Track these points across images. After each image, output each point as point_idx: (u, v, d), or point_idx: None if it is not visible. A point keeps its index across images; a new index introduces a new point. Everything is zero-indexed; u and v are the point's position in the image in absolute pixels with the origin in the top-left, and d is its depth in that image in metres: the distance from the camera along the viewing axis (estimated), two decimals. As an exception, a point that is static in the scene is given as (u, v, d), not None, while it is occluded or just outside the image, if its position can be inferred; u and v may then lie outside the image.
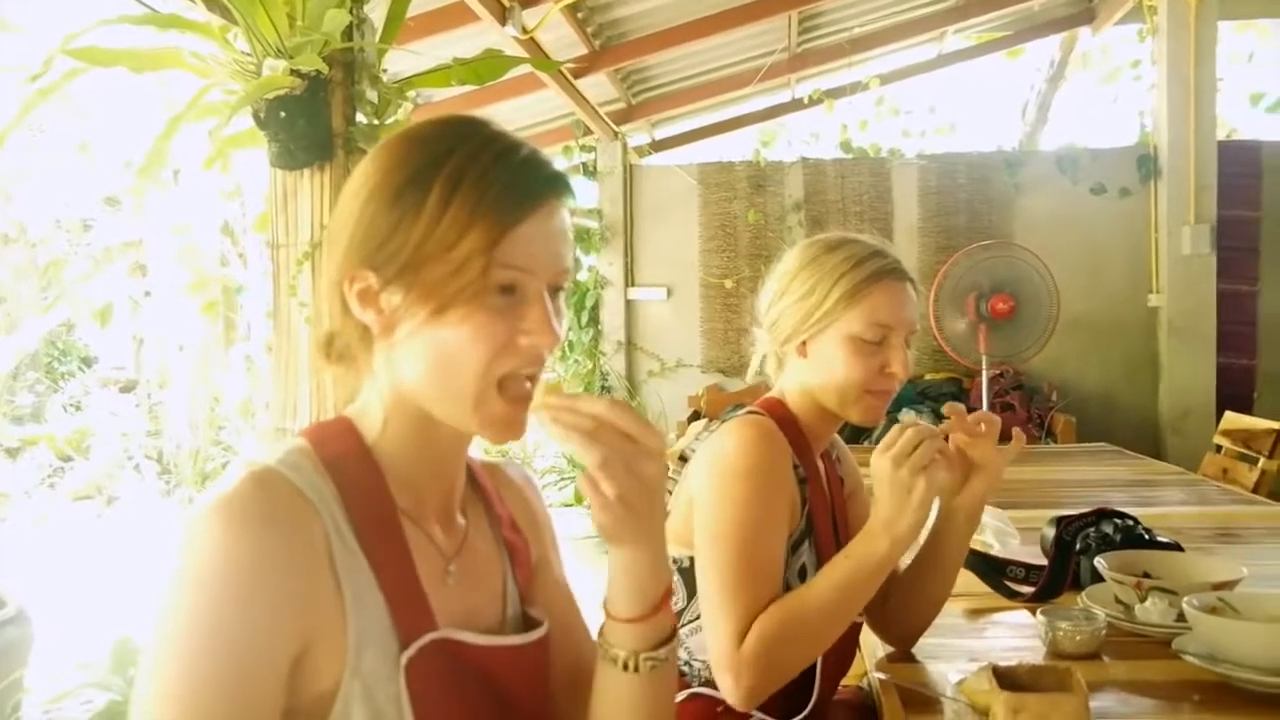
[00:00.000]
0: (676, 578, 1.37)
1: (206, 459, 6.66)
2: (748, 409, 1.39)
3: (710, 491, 1.30)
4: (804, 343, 1.38)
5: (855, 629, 1.41)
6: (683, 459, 1.43)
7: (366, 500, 0.81)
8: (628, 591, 0.83)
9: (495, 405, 0.79)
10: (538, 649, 0.89)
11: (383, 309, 0.80)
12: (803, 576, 1.35)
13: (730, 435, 1.32)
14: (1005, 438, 1.32)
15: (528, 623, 0.92)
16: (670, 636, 0.85)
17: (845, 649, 1.38)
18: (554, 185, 0.82)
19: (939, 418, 1.37)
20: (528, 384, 0.81)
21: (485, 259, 0.77)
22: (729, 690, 1.22)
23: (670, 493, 1.40)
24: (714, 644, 1.24)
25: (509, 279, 0.78)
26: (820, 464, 1.44)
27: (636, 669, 0.83)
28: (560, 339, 0.81)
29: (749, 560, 1.25)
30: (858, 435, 5.24)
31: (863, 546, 1.22)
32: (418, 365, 0.79)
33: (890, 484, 1.19)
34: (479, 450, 0.95)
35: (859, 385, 1.34)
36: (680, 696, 1.35)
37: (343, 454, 0.82)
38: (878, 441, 1.25)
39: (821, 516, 1.39)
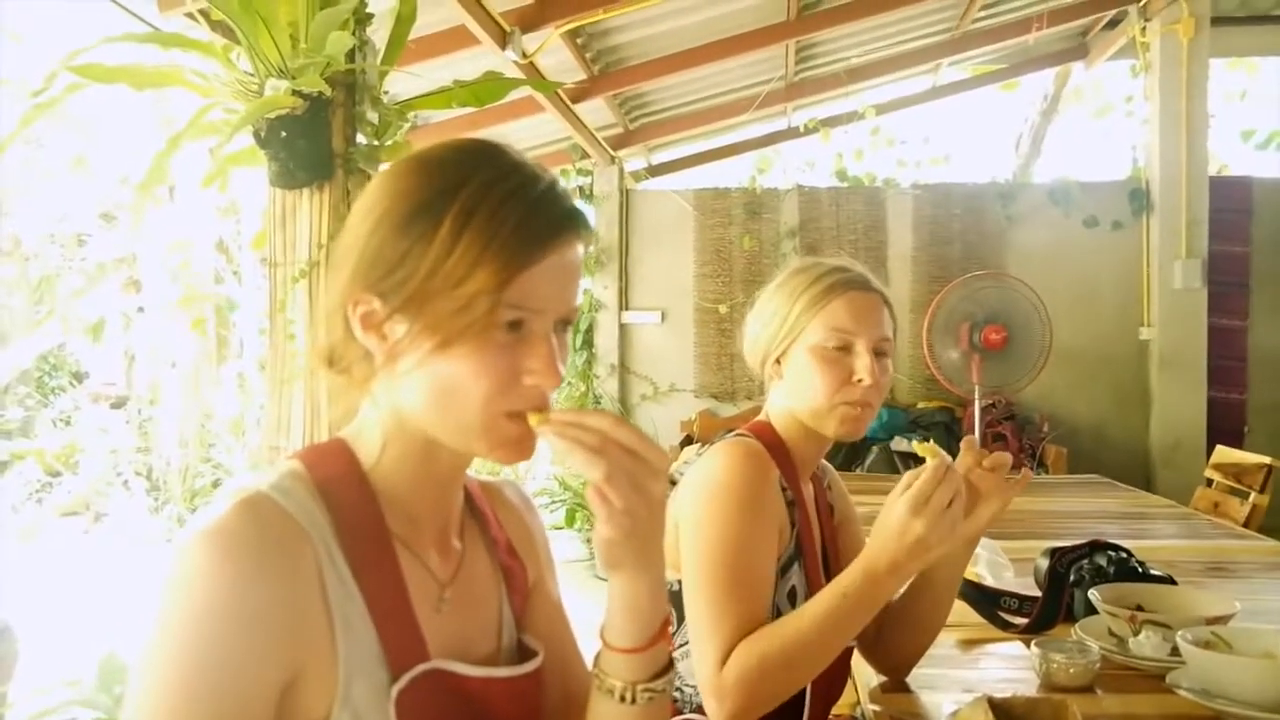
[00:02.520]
0: (668, 603, 1.36)
1: (196, 476, 6.64)
2: (736, 432, 1.40)
3: (697, 513, 1.30)
4: (778, 361, 1.39)
5: (846, 653, 1.40)
6: (671, 482, 1.43)
7: (360, 526, 0.79)
8: (627, 621, 0.81)
9: (505, 428, 0.78)
10: (532, 680, 0.88)
11: (386, 336, 0.78)
12: (792, 599, 1.34)
13: (717, 457, 1.32)
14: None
15: (523, 652, 0.91)
16: (667, 667, 0.84)
17: (835, 675, 1.37)
18: (569, 223, 0.79)
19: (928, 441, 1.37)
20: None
21: (493, 299, 0.75)
22: (713, 715, 1.21)
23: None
24: (699, 666, 1.23)
25: (516, 317, 0.77)
26: (810, 488, 1.44)
27: (633, 700, 0.82)
28: (563, 378, 0.80)
29: (735, 581, 1.24)
30: (850, 463, 5.25)
31: (864, 586, 1.17)
32: (420, 395, 0.78)
33: (901, 532, 1.13)
34: (476, 468, 0.95)
35: (828, 395, 1.34)
36: (671, 723, 1.34)
37: (337, 478, 0.81)
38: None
39: (809, 541, 1.39)
